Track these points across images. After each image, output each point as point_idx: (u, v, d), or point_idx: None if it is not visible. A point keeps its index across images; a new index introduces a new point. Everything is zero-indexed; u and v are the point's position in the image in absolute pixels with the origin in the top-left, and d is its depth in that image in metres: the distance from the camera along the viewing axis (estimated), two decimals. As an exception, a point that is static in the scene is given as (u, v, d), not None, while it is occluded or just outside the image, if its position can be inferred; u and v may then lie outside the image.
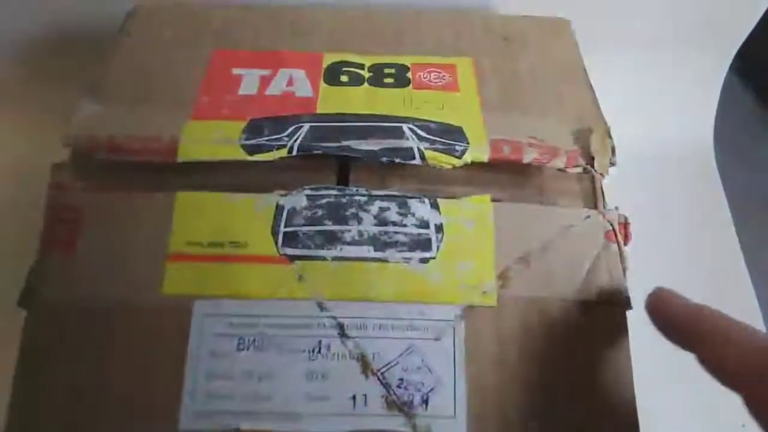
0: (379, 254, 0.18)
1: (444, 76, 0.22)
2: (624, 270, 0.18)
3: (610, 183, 0.20)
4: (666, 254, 0.28)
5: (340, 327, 0.17)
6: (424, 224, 0.18)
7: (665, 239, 0.29)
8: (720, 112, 0.33)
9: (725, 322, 0.15)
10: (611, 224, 0.19)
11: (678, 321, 0.16)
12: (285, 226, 0.18)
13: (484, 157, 0.19)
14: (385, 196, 0.19)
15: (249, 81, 0.21)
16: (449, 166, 0.19)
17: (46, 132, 0.21)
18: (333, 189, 0.19)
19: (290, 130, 0.19)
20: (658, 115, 0.32)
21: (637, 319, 0.18)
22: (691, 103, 0.33)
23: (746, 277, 0.29)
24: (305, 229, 0.18)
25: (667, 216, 0.30)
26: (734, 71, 0.34)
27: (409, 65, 0.22)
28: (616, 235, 0.19)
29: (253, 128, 0.19)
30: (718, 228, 0.30)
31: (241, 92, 0.21)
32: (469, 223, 0.18)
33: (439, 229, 0.18)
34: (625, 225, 0.19)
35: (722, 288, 0.28)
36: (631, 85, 0.32)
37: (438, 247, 0.18)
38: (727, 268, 0.29)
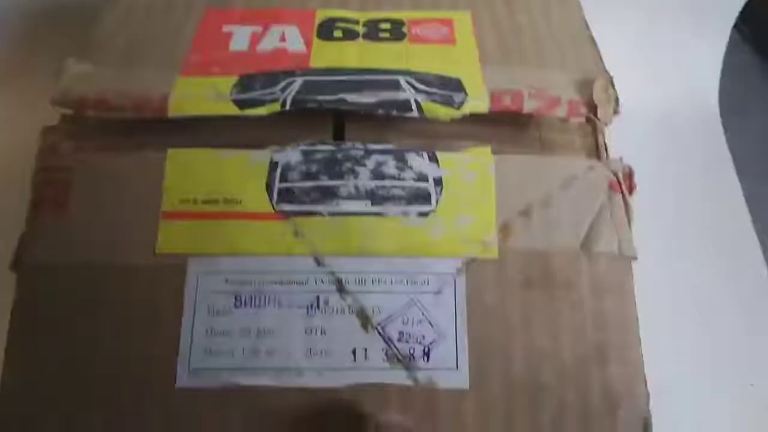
0: (376, 208, 0.17)
1: (441, 29, 0.21)
2: (629, 221, 0.18)
3: (612, 142, 0.20)
4: (671, 212, 0.28)
5: (339, 282, 0.17)
6: (423, 177, 0.18)
7: (670, 198, 0.28)
8: (725, 70, 0.33)
9: None
10: (615, 174, 0.18)
11: None
12: (280, 182, 0.17)
13: (484, 107, 0.18)
14: (382, 150, 0.18)
15: (240, 37, 0.21)
16: (447, 118, 0.18)
17: (45, 108, 0.20)
18: (329, 144, 0.18)
19: (283, 84, 0.19)
20: (661, 73, 0.32)
21: (642, 269, 0.18)
22: (696, 61, 0.32)
23: (750, 229, 0.29)
24: (300, 184, 0.17)
25: (671, 174, 0.29)
26: (738, 30, 0.33)
27: (405, 20, 0.22)
28: (620, 186, 0.18)
29: (245, 83, 0.19)
30: (725, 185, 0.30)
31: (231, 49, 0.20)
32: (470, 175, 0.18)
33: (438, 182, 0.18)
34: (630, 175, 0.18)
35: (726, 236, 0.28)
36: (635, 43, 0.31)
37: (437, 201, 0.17)
38: (733, 225, 0.29)
